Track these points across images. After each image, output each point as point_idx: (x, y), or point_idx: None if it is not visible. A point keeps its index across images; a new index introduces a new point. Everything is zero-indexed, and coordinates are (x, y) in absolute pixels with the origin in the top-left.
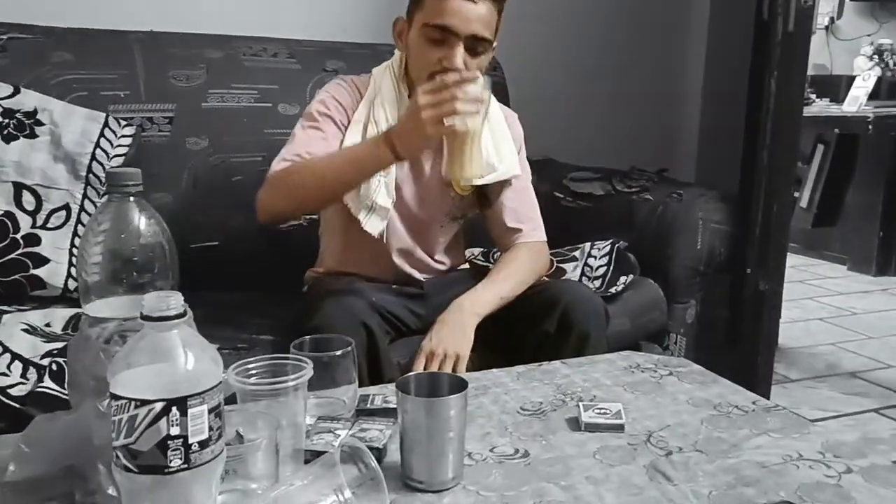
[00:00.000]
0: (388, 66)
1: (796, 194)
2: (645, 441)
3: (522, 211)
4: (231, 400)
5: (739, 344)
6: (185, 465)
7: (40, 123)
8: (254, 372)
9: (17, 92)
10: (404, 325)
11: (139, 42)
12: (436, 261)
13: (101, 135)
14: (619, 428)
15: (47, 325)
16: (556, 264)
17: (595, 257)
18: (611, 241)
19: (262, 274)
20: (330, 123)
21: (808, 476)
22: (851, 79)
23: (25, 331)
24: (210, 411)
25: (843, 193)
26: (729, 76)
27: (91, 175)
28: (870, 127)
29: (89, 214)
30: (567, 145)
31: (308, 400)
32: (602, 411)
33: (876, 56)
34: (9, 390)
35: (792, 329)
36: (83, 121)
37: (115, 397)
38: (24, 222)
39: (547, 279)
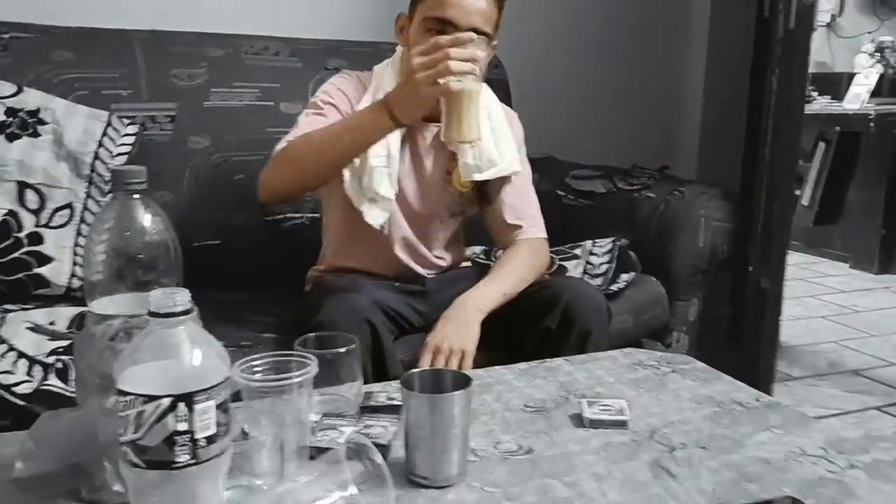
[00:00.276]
0: (389, 62)
1: (798, 192)
2: (648, 437)
3: (523, 208)
4: (236, 397)
5: (741, 341)
6: (193, 461)
7: (43, 122)
8: (258, 369)
9: (19, 91)
10: (407, 322)
11: (141, 41)
12: (436, 256)
13: (104, 133)
14: (623, 424)
15: (51, 323)
16: (557, 262)
17: (597, 255)
18: (612, 238)
19: (265, 272)
20: (333, 111)
21: (812, 472)
22: (853, 76)
23: (30, 329)
24: (217, 407)
25: (845, 191)
26: (730, 74)
27: (94, 174)
28: (871, 124)
29: (92, 213)
30: (568, 143)
31: (312, 397)
32: (605, 408)
33: (877, 53)
34: (14, 388)
35: (794, 327)
36: (86, 120)
37: (123, 393)
38: (28, 221)
39: (549, 277)
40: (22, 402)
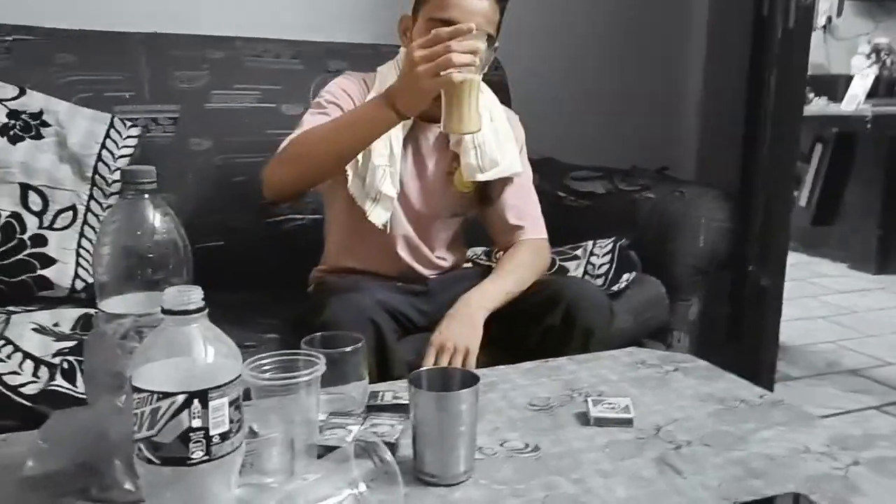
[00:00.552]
0: (393, 64)
1: (795, 193)
2: (653, 435)
3: (524, 208)
4: (245, 396)
5: (741, 341)
6: (207, 457)
7: (46, 124)
8: (266, 368)
9: (22, 93)
10: (410, 322)
11: (143, 43)
12: (438, 257)
13: (107, 136)
14: (628, 422)
15: (55, 325)
16: (558, 263)
17: (597, 255)
18: (612, 239)
19: (267, 273)
20: (337, 110)
21: (816, 468)
22: (849, 78)
23: (35, 330)
24: (230, 404)
25: (842, 192)
26: (729, 74)
27: (97, 176)
28: (868, 125)
29: (95, 215)
30: (568, 144)
31: (319, 396)
32: (610, 406)
33: (873, 55)
34: (21, 388)
35: (792, 327)
36: (88, 122)
37: (138, 390)
38: (31, 223)
39: (551, 276)
40: (29, 403)
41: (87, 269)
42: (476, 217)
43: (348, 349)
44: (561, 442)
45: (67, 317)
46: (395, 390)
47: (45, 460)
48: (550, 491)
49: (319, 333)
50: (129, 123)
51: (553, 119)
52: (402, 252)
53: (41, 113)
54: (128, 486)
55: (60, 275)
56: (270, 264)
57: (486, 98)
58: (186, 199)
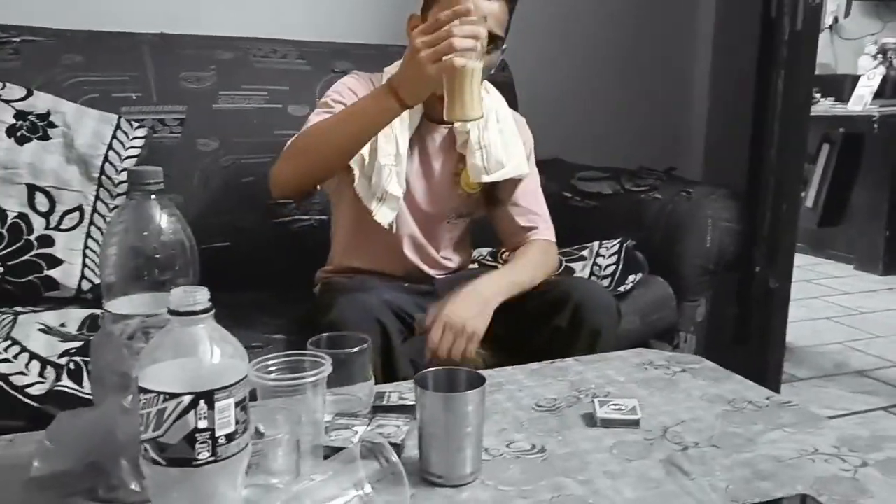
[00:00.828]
0: (400, 64)
1: (802, 194)
2: (661, 436)
3: (533, 209)
4: (251, 397)
5: (749, 342)
6: (213, 458)
7: (53, 125)
8: (273, 369)
9: (29, 94)
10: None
11: (150, 44)
12: (444, 257)
13: (114, 136)
14: (635, 423)
15: (62, 325)
16: (564, 264)
17: (604, 256)
18: (619, 240)
19: (274, 274)
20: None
21: (825, 469)
22: (856, 78)
23: (42, 331)
24: (236, 405)
25: (849, 193)
26: (736, 75)
27: (104, 176)
28: (875, 126)
29: (102, 216)
30: (575, 145)
31: (326, 397)
32: (617, 407)
33: (880, 55)
34: (27, 389)
35: (799, 328)
36: (95, 123)
37: (144, 391)
38: (38, 224)
39: (557, 277)
40: (35, 404)
41: (93, 270)
42: (483, 218)
43: (354, 350)
44: (568, 443)
45: (74, 317)
46: (401, 391)
47: (51, 461)
48: (557, 492)
49: (325, 334)
50: (135, 124)
51: (560, 119)
52: (409, 252)
53: (48, 114)
54: (134, 486)
55: (67, 275)
56: (277, 265)
57: (493, 99)
58: (193, 199)
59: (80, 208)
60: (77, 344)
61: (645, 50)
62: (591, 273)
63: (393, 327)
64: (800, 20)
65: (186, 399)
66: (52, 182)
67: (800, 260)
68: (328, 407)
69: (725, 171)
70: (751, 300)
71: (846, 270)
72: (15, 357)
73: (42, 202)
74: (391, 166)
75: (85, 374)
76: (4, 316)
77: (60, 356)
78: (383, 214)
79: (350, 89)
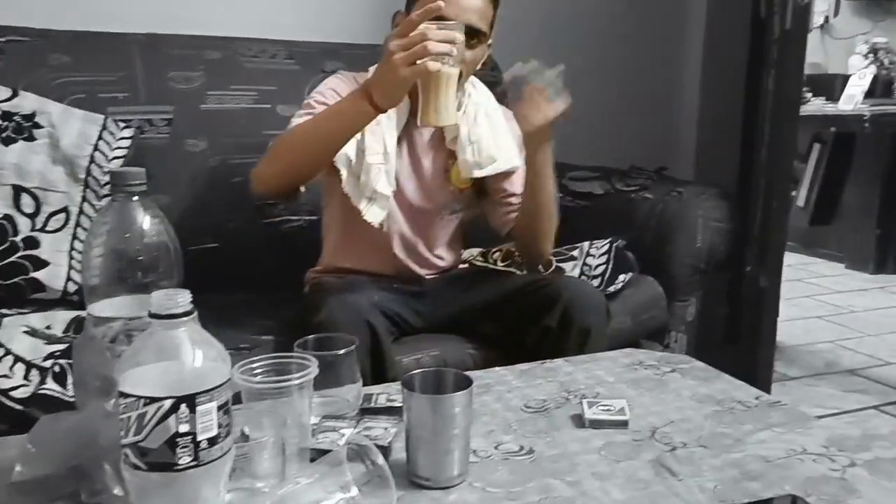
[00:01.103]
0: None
1: (793, 193)
2: (649, 437)
3: None
4: (236, 399)
5: (739, 341)
6: (195, 463)
7: (39, 126)
8: (258, 371)
9: (15, 95)
10: (406, 323)
11: (137, 44)
12: (436, 256)
13: (100, 137)
14: (624, 424)
15: (48, 327)
16: (555, 264)
17: (594, 256)
18: (609, 239)
19: (262, 275)
20: None
21: (813, 470)
22: (846, 77)
23: (27, 333)
24: (219, 408)
25: (840, 192)
26: (726, 74)
27: (90, 177)
28: (866, 125)
29: (88, 217)
30: (565, 145)
31: (312, 399)
32: (606, 408)
33: (871, 55)
34: (11, 392)
35: (790, 327)
36: (81, 123)
37: (124, 395)
38: (24, 225)
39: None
40: (19, 407)
41: (79, 272)
42: (474, 218)
43: (341, 352)
44: (556, 444)
45: (60, 319)
46: (389, 393)
47: (34, 465)
48: (546, 494)
49: (313, 336)
50: (122, 124)
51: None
52: (399, 251)
53: (34, 115)
54: (117, 490)
55: (53, 277)
56: (266, 266)
57: (481, 94)
58: (181, 200)
59: (66, 209)
60: (62, 347)
61: (635, 50)
62: (582, 273)
63: (382, 328)
64: (789, 20)
65: (167, 403)
66: (37, 183)
67: (791, 259)
68: (315, 409)
69: (716, 171)
70: (741, 299)
71: (837, 269)
72: None
73: (28, 203)
74: (380, 165)
75: (69, 376)
76: None
77: (45, 359)
78: (373, 214)
79: (333, 90)
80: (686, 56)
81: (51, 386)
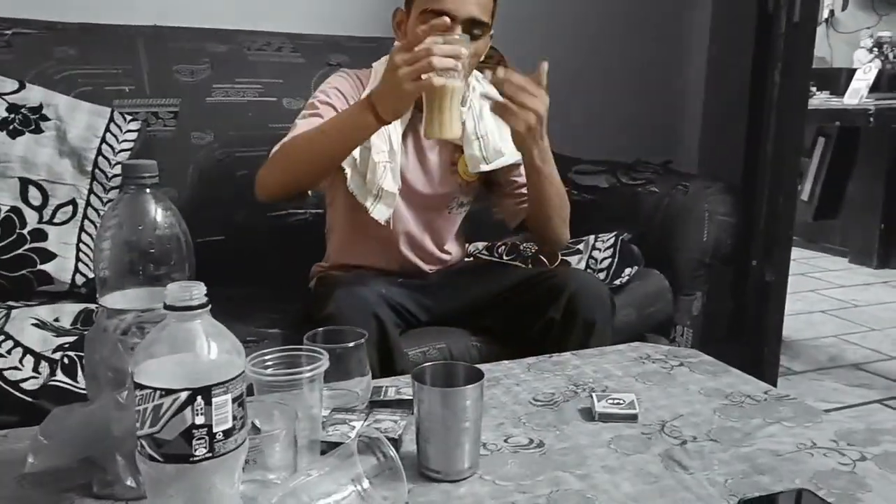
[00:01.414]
0: (387, 59)
1: (798, 187)
2: (659, 430)
3: None
4: (248, 392)
5: (745, 335)
6: (210, 454)
7: (46, 118)
8: (269, 364)
9: (22, 87)
10: (413, 316)
11: (143, 37)
12: (443, 250)
13: (107, 129)
14: (633, 418)
15: (56, 319)
16: (560, 257)
17: (599, 250)
18: (615, 233)
19: (268, 268)
20: (331, 111)
21: (823, 464)
22: (852, 71)
23: (35, 325)
24: (233, 400)
25: (844, 186)
26: (733, 68)
27: (97, 170)
28: (871, 119)
29: (95, 209)
30: (571, 138)
31: (323, 391)
32: (615, 401)
33: (876, 48)
34: (21, 384)
35: (794, 321)
36: (88, 116)
37: (140, 387)
38: (31, 218)
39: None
40: (29, 399)
41: (87, 264)
42: (479, 212)
43: (351, 344)
44: (566, 438)
45: (68, 311)
46: (399, 386)
47: (46, 456)
48: (556, 487)
49: (322, 328)
50: (129, 117)
51: (555, 113)
52: (405, 249)
53: (41, 107)
54: (130, 482)
55: (60, 270)
56: (272, 259)
57: (487, 88)
58: (187, 193)
59: (73, 202)
60: (71, 338)
61: (641, 43)
62: (587, 266)
63: (390, 321)
64: (797, 13)
65: (183, 395)
66: (44, 175)
67: (794, 253)
68: (325, 402)
69: (722, 165)
70: (747, 294)
71: (841, 263)
72: (9, 352)
73: (35, 196)
74: (385, 163)
75: (79, 368)
76: None
77: (54, 351)
78: (379, 211)
79: (337, 89)
80: (692, 50)
81: (61, 377)
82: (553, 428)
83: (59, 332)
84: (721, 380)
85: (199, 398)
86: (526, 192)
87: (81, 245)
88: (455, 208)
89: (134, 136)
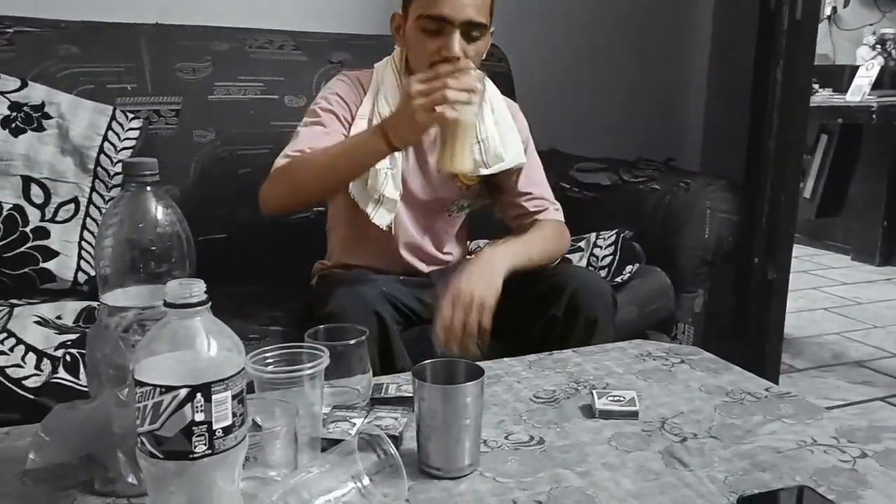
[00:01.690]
0: (389, 60)
1: (800, 185)
2: (659, 428)
3: (540, 195)
4: (248, 389)
5: (747, 333)
6: (210, 451)
7: (48, 116)
8: (270, 361)
9: (24, 85)
10: (414, 314)
11: (145, 35)
12: (444, 253)
13: (109, 128)
14: (634, 415)
15: (58, 317)
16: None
17: (601, 247)
18: (616, 230)
19: (270, 266)
20: (333, 119)
21: (824, 461)
22: (854, 69)
23: (38, 323)
24: (233, 397)
25: (847, 183)
26: (735, 65)
27: (99, 168)
28: (873, 116)
29: (97, 207)
30: (573, 136)
31: (323, 389)
32: (616, 398)
33: (879, 46)
34: (24, 381)
35: (797, 319)
36: (90, 114)
37: (140, 383)
38: (33, 216)
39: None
40: (31, 396)
41: (89, 262)
42: (481, 211)
43: (352, 342)
44: (566, 435)
45: (70, 309)
46: (399, 383)
47: (47, 453)
48: (556, 484)
49: (323, 326)
50: (131, 115)
51: (558, 110)
52: (405, 252)
53: (43, 105)
54: (131, 479)
55: (62, 267)
56: (274, 257)
57: (487, 89)
58: (189, 191)
59: (75, 200)
60: (73, 336)
61: (643, 40)
62: (589, 264)
63: (391, 319)
64: (799, 10)
65: (183, 392)
66: (47, 174)
67: (797, 251)
68: (326, 399)
69: (724, 162)
70: (749, 291)
71: (843, 261)
72: (11, 349)
73: (37, 194)
74: (387, 169)
75: (81, 366)
76: (0, 308)
77: (56, 348)
78: (381, 217)
79: (338, 94)
80: (694, 47)
81: (62, 375)
82: (554, 425)
83: (62, 329)
84: (722, 377)
85: (198, 395)
86: (527, 203)
87: (83, 243)
88: (455, 211)
89: (136, 134)
